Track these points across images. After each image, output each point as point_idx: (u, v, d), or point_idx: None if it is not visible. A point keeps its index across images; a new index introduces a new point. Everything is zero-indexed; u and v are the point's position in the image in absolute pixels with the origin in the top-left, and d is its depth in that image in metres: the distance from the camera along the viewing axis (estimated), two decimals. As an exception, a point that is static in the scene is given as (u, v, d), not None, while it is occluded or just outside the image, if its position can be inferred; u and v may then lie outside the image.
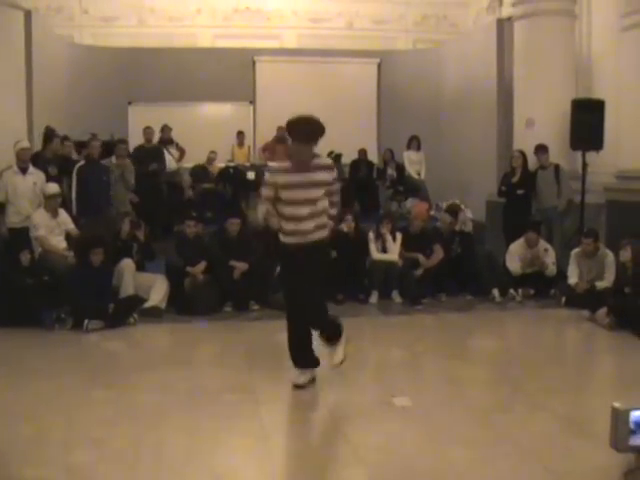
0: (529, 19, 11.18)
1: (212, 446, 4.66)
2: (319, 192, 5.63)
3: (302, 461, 4.51)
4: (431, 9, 16.24)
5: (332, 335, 5.88)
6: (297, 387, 5.75)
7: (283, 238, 5.71)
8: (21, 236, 8.82)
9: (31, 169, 9.28)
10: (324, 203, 5.70)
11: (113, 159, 10.38)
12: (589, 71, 11.53)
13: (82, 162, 9.81)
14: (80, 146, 10.74)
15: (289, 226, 5.62)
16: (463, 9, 16.25)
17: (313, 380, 5.89)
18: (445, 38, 15.56)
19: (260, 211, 5.75)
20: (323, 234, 5.72)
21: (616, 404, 3.86)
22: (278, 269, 7.22)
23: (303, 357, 5.90)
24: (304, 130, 5.50)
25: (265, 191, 5.64)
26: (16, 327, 7.72)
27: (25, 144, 9.39)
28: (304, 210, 5.57)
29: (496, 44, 12.17)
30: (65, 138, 10.58)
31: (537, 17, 11.06)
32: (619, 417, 3.84)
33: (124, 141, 11.10)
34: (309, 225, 5.61)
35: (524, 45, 11.33)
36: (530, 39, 11.20)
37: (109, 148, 10.66)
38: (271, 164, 5.75)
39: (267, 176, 5.65)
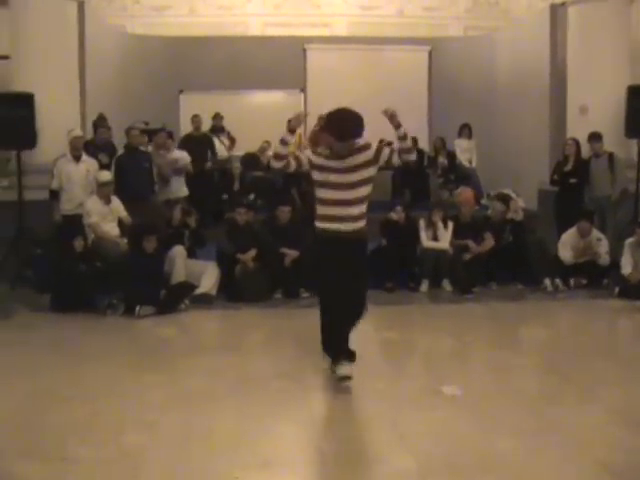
0: (583, 4, 11.00)
1: (260, 432, 4.70)
2: (360, 176, 5.53)
3: (349, 448, 4.53)
4: (482, -5, 16.07)
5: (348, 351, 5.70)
6: (342, 379, 5.55)
7: (320, 224, 5.64)
8: (74, 223, 8.95)
9: (84, 157, 9.42)
10: (366, 189, 5.59)
11: (150, 147, 10.46)
12: (645, 57, 11.30)
13: (122, 151, 9.88)
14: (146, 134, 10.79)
15: (325, 211, 5.57)
16: (515, -5, 16.03)
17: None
18: (497, 24, 15.35)
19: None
20: (358, 225, 5.61)
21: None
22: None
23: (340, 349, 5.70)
24: (341, 128, 5.42)
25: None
26: (69, 313, 7.87)
27: (78, 132, 9.55)
28: (342, 195, 5.49)
29: (549, 30, 11.95)
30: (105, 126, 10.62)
31: (592, 2, 10.87)
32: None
33: (162, 129, 11.14)
34: (346, 212, 5.52)
35: (578, 31, 11.15)
36: (584, 24, 11.02)
37: (149, 136, 10.72)
38: (311, 159, 5.60)
39: (309, 161, 5.61)
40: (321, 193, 5.60)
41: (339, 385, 5.54)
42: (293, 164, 5.64)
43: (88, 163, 9.42)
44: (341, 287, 5.52)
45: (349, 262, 5.54)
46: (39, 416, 4.99)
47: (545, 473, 4.08)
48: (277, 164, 5.63)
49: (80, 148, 9.41)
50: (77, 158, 9.34)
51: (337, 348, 5.65)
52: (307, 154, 5.63)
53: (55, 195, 9.40)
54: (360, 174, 5.53)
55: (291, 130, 5.67)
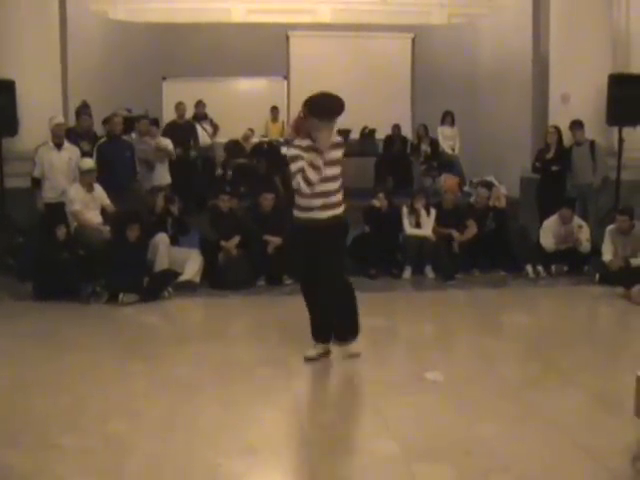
0: (566, -8, 11.03)
1: (245, 418, 4.72)
2: (336, 170, 5.66)
3: (334, 433, 4.56)
4: (466, -17, 16.08)
5: (350, 331, 5.87)
6: (308, 360, 5.80)
7: (298, 214, 5.73)
8: (57, 211, 8.92)
9: (66, 144, 9.36)
10: (339, 181, 5.72)
11: (133, 135, 10.42)
12: (627, 45, 11.33)
13: (103, 139, 9.80)
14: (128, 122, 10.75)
15: (305, 202, 5.64)
16: (499, -18, 16.05)
17: (327, 353, 5.91)
18: (480, 12, 15.41)
19: (295, 170, 5.60)
20: (339, 211, 5.71)
21: (640, 373, 3.90)
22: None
23: (317, 328, 5.93)
24: (328, 106, 5.53)
25: (293, 152, 5.65)
26: (53, 301, 7.85)
27: (60, 120, 9.46)
28: (322, 187, 5.58)
29: (532, 18, 11.98)
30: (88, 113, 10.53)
31: (574, -10, 10.90)
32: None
33: (145, 116, 11.09)
34: (325, 202, 5.62)
35: (560, 19, 11.16)
36: (567, 13, 11.03)
37: (131, 123, 10.68)
38: (295, 142, 5.71)
39: (293, 151, 5.65)
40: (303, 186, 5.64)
41: (322, 370, 5.60)
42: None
43: (70, 151, 9.36)
44: (317, 271, 5.68)
45: (325, 245, 5.64)
46: (22, 405, 4.98)
47: (527, 457, 4.12)
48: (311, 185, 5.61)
49: (62, 136, 9.35)
50: (59, 146, 9.28)
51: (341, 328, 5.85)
52: (294, 153, 5.63)
53: (37, 183, 9.33)
54: (337, 167, 5.67)
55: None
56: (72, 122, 10.40)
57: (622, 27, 11.42)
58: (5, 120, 9.46)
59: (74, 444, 4.30)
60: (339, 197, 5.72)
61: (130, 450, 4.24)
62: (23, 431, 4.52)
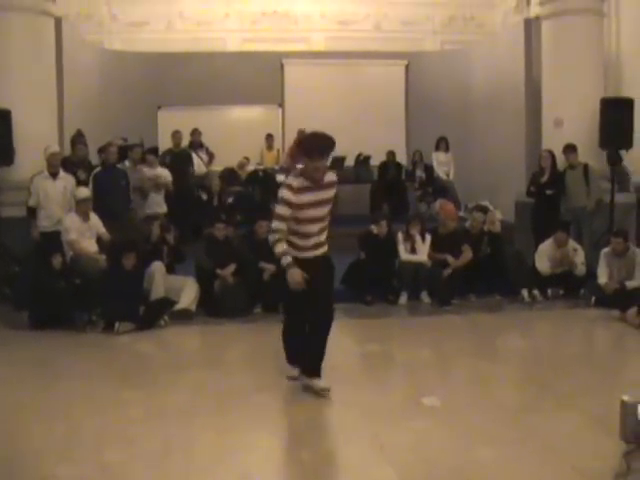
0: (557, 18, 11.14)
1: (241, 445, 4.70)
2: (327, 209, 5.71)
3: (330, 460, 4.55)
4: (458, 10, 16.18)
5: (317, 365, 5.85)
6: (291, 379, 5.92)
7: (292, 252, 5.70)
8: (52, 240, 8.92)
9: (61, 174, 9.39)
10: (327, 221, 5.77)
11: (127, 163, 10.44)
12: (618, 70, 11.47)
13: (99, 168, 9.82)
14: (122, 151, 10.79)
15: (299, 242, 5.67)
16: (490, 9, 16.19)
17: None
18: (473, 39, 15.52)
19: (273, 232, 5.67)
20: (326, 249, 5.80)
21: (625, 397, 3.90)
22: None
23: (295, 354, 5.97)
24: (320, 145, 5.53)
25: (284, 210, 5.58)
26: (49, 329, 7.84)
27: (55, 149, 9.50)
28: (315, 227, 5.65)
29: (524, 44, 12.10)
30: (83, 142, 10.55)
31: (565, 16, 11.01)
32: (627, 409, 3.88)
33: (139, 145, 11.12)
34: (316, 241, 5.70)
35: (552, 45, 11.28)
36: (558, 38, 11.15)
37: (125, 152, 10.72)
38: (291, 181, 5.72)
39: (288, 195, 5.56)
40: (298, 227, 5.66)
41: (318, 397, 5.58)
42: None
43: (65, 180, 9.39)
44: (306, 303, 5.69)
45: (320, 276, 5.66)
46: (18, 434, 4.96)
47: (524, 482, 4.12)
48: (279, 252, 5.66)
49: (57, 165, 9.37)
50: (54, 175, 9.30)
51: (313, 363, 5.78)
52: (285, 198, 5.61)
53: (32, 212, 9.35)
54: (328, 206, 5.71)
55: None
56: (68, 151, 10.43)
57: (613, 51, 11.57)
58: (1, 149, 9.50)
59: (69, 474, 4.28)
60: (325, 236, 5.79)
61: (126, 478, 4.22)
62: (18, 460, 4.50)
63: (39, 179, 9.29)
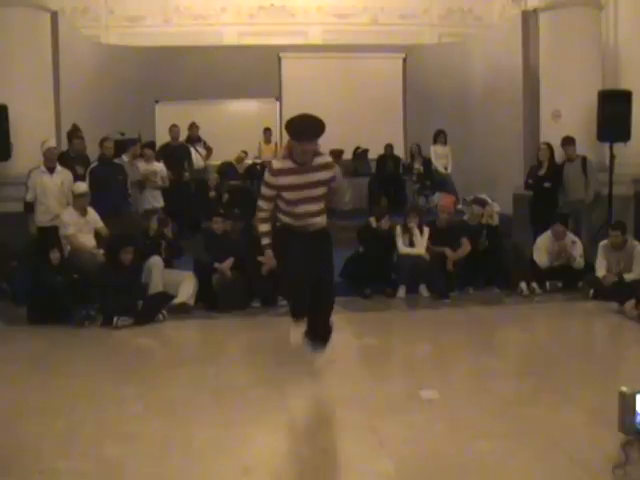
0: (554, 10, 11.15)
1: (240, 440, 4.70)
2: (321, 191, 5.69)
3: (328, 454, 4.55)
4: (456, 2, 16.14)
5: (326, 337, 5.91)
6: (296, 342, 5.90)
7: (283, 218, 5.77)
8: (50, 235, 8.92)
9: (58, 168, 9.38)
10: (322, 202, 5.77)
11: (124, 157, 10.44)
12: (616, 62, 11.45)
13: (95, 163, 9.81)
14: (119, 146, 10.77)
15: (288, 220, 5.72)
16: (488, 2, 16.14)
17: None
18: (470, 31, 15.48)
19: (257, 211, 5.79)
20: (323, 223, 5.81)
21: (623, 388, 3.91)
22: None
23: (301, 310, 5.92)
24: (307, 127, 5.53)
25: (266, 190, 5.67)
26: (47, 325, 7.83)
27: (52, 143, 9.49)
28: (306, 208, 5.66)
29: (521, 36, 12.07)
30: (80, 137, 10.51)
31: (562, 8, 11.02)
32: (626, 401, 3.89)
33: (134, 141, 11.10)
34: (308, 221, 5.71)
35: (550, 37, 11.29)
36: (556, 30, 11.15)
37: (123, 146, 10.70)
38: (273, 163, 5.72)
39: (267, 176, 5.65)
40: (285, 207, 5.73)
41: (317, 390, 5.59)
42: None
43: (62, 174, 9.38)
44: (307, 270, 5.67)
45: (316, 250, 5.70)
46: (17, 429, 4.96)
47: (523, 474, 4.11)
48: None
49: (54, 159, 9.37)
50: (51, 170, 9.30)
51: (315, 332, 5.86)
52: (268, 180, 5.67)
53: (30, 207, 9.34)
54: (321, 188, 5.70)
55: None
56: (64, 146, 10.41)
57: (611, 44, 11.55)
58: (-2, 144, 9.50)
59: (69, 468, 4.28)
60: (323, 219, 5.79)
61: (125, 473, 4.22)
62: (18, 455, 4.49)
63: (36, 174, 9.28)
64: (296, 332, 5.89)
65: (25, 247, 9.20)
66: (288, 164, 5.61)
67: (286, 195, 5.62)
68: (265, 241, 5.69)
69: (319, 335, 5.87)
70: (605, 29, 11.45)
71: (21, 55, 10.03)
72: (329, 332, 5.92)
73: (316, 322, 5.84)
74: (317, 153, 5.67)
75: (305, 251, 5.63)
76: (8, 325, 8.05)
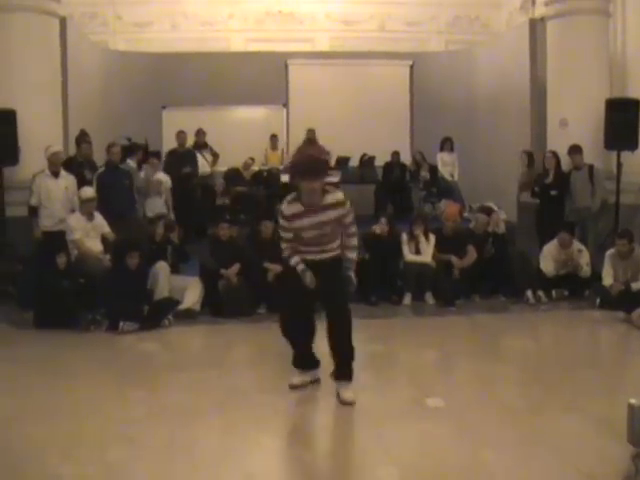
0: (562, 18, 11.12)
1: (245, 446, 4.70)
2: (332, 228, 5.63)
3: (335, 461, 4.54)
4: (463, 10, 16.16)
5: (349, 367, 5.82)
6: (292, 387, 5.83)
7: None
8: (56, 239, 8.93)
9: (62, 173, 9.39)
10: (337, 239, 5.72)
11: (130, 162, 10.40)
12: (624, 70, 11.42)
13: (102, 168, 9.81)
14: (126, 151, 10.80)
15: (303, 249, 5.72)
16: (495, 10, 16.16)
17: (317, 381, 5.95)
18: (477, 39, 15.49)
19: (283, 249, 5.80)
20: (337, 253, 5.75)
21: (632, 400, 3.89)
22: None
23: (302, 358, 5.97)
24: (311, 167, 5.46)
25: (284, 234, 5.69)
26: (53, 329, 7.84)
27: (56, 148, 9.47)
28: (317, 242, 5.65)
29: (529, 44, 12.06)
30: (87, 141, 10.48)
31: (570, 16, 11.00)
32: (635, 413, 3.87)
33: (140, 146, 11.07)
34: (322, 248, 5.69)
35: (557, 45, 11.27)
36: (563, 39, 11.13)
37: (129, 151, 10.71)
38: (283, 208, 5.66)
39: (281, 221, 5.66)
40: (299, 243, 5.72)
41: (322, 396, 5.59)
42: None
43: (67, 179, 9.40)
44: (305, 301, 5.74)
45: (331, 275, 5.66)
46: (22, 433, 4.96)
47: (528, 483, 4.11)
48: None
49: (59, 164, 9.36)
50: (56, 174, 9.31)
51: (342, 366, 5.77)
52: (283, 225, 5.67)
53: (34, 211, 9.34)
54: (333, 225, 5.63)
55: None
56: (72, 151, 10.43)
57: (619, 52, 11.52)
58: (6, 149, 9.50)
59: (73, 472, 4.29)
60: (337, 250, 5.74)
61: (129, 477, 4.23)
62: (23, 459, 4.50)
63: (41, 178, 9.30)
64: (298, 378, 5.91)
65: (31, 251, 9.21)
66: (297, 208, 5.56)
67: (301, 234, 5.62)
68: (300, 267, 5.65)
69: (343, 363, 5.78)
70: (613, 37, 11.42)
71: (30, 60, 10.04)
72: (351, 357, 5.80)
73: (337, 347, 5.77)
74: (326, 191, 5.58)
75: (320, 290, 5.65)
76: (14, 328, 8.05)
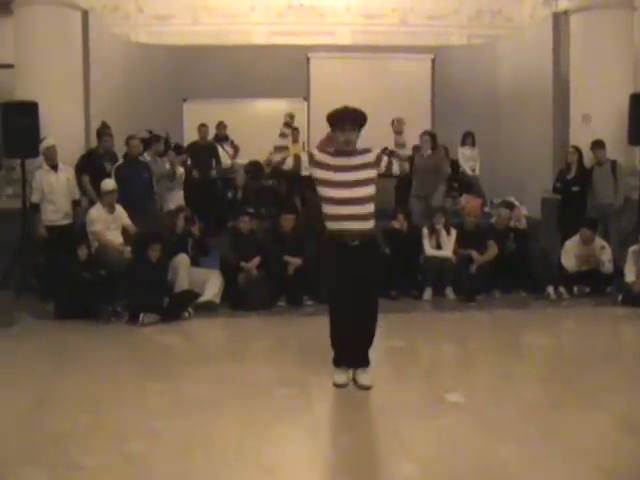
0: (586, 12, 11.02)
1: (263, 439, 4.70)
2: (359, 175, 5.54)
3: (353, 456, 4.53)
4: (486, 3, 16.02)
5: (367, 353, 5.84)
6: (337, 386, 5.74)
7: (329, 224, 5.65)
8: (62, 235, 9.06)
9: (61, 166, 9.42)
10: (369, 189, 5.60)
11: (146, 155, 10.45)
12: (649, 65, 11.32)
13: (121, 161, 9.83)
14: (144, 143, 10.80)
15: (331, 209, 5.60)
16: (518, 3, 16.01)
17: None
18: (500, 33, 15.37)
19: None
20: (370, 225, 5.64)
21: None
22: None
23: (345, 356, 5.88)
24: (349, 116, 5.53)
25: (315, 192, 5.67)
26: (73, 320, 7.91)
27: (50, 142, 9.42)
28: (345, 193, 5.51)
29: (552, 38, 11.97)
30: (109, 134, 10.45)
31: (594, 10, 10.89)
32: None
33: (158, 138, 11.09)
34: (357, 224, 5.55)
35: (581, 39, 11.17)
36: (587, 33, 11.04)
37: (148, 144, 10.72)
38: (314, 152, 5.69)
39: (311, 167, 5.63)
40: (325, 192, 5.61)
41: (342, 391, 5.59)
42: (290, 161, 5.77)
43: (67, 172, 9.45)
44: (352, 293, 5.61)
45: (360, 266, 5.58)
46: (42, 424, 5.00)
47: (548, 480, 4.08)
48: (277, 156, 5.92)
49: (55, 157, 9.37)
50: (55, 168, 9.34)
51: (357, 356, 5.78)
52: (310, 151, 5.67)
53: (36, 208, 9.36)
54: (360, 174, 5.55)
55: (287, 124, 6.11)
56: (93, 143, 10.46)
57: (643, 46, 11.40)
58: (28, 141, 9.53)
59: (93, 463, 4.30)
60: (369, 208, 5.63)
61: (149, 469, 4.24)
62: (43, 450, 4.53)
63: (41, 173, 9.31)
64: (339, 375, 5.83)
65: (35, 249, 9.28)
66: (329, 158, 5.58)
67: (330, 194, 5.56)
68: None
69: (363, 349, 5.80)
70: (638, 31, 11.31)
71: (52, 53, 10.09)
72: (371, 343, 5.83)
73: (360, 334, 5.77)
74: (361, 150, 5.61)
75: (352, 275, 5.59)
76: (36, 319, 8.12)
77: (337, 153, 5.61)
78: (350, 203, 5.52)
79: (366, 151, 5.65)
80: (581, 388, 5.76)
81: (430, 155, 10.64)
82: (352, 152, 5.58)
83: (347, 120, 5.53)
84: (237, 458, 4.38)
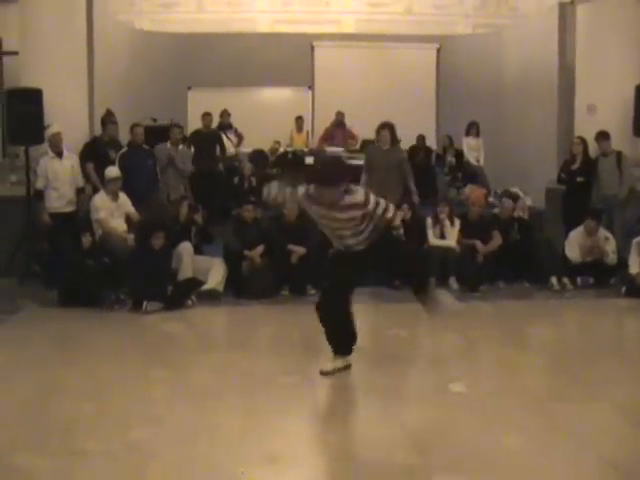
0: (592, 2, 10.98)
1: (266, 427, 4.71)
2: (354, 224, 5.49)
3: (355, 444, 4.54)
4: (491, -7, 16.02)
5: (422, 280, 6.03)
6: (323, 374, 5.70)
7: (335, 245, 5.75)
8: (65, 222, 9.06)
9: (65, 153, 9.42)
10: (367, 230, 5.58)
11: (168, 144, 10.42)
12: (655, 56, 11.26)
13: (125, 148, 9.82)
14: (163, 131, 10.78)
15: (334, 242, 5.70)
16: (524, -8, 15.98)
17: (348, 367, 5.84)
18: (505, 22, 15.32)
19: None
20: (374, 236, 5.62)
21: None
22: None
23: (337, 342, 5.85)
24: (321, 176, 5.43)
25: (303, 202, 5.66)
26: (77, 308, 7.90)
27: (56, 129, 9.40)
28: (343, 232, 5.56)
29: (557, 28, 11.93)
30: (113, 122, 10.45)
31: (600, 0, 10.84)
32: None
33: (178, 125, 11.05)
34: (354, 241, 5.58)
35: (586, 29, 11.12)
36: (593, 23, 11.00)
37: (155, 134, 10.69)
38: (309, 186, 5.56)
39: (302, 200, 5.63)
40: (320, 225, 5.73)
41: (344, 380, 5.60)
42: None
43: (71, 159, 9.45)
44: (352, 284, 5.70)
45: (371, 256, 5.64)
46: (46, 410, 5.01)
47: (551, 470, 4.07)
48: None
49: (60, 144, 9.36)
50: (59, 154, 9.34)
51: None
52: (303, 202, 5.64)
53: (40, 195, 9.34)
54: (352, 223, 5.50)
55: None
56: (98, 130, 10.45)
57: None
58: (32, 128, 9.51)
59: (97, 449, 4.31)
60: (371, 235, 5.62)
61: (152, 457, 4.24)
62: (47, 436, 4.54)
63: (45, 160, 9.31)
64: (335, 362, 5.80)
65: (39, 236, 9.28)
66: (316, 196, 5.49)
67: (321, 221, 5.62)
68: None
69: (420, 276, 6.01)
70: (644, 22, 11.26)
71: (56, 40, 10.06)
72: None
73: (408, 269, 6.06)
74: (347, 191, 5.40)
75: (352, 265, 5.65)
76: (39, 307, 8.13)
77: (321, 204, 5.48)
78: (344, 229, 5.54)
79: (356, 206, 5.42)
80: (585, 379, 5.75)
81: (389, 150, 9.95)
82: (337, 207, 5.42)
83: (323, 181, 5.37)
84: (240, 446, 4.39)
